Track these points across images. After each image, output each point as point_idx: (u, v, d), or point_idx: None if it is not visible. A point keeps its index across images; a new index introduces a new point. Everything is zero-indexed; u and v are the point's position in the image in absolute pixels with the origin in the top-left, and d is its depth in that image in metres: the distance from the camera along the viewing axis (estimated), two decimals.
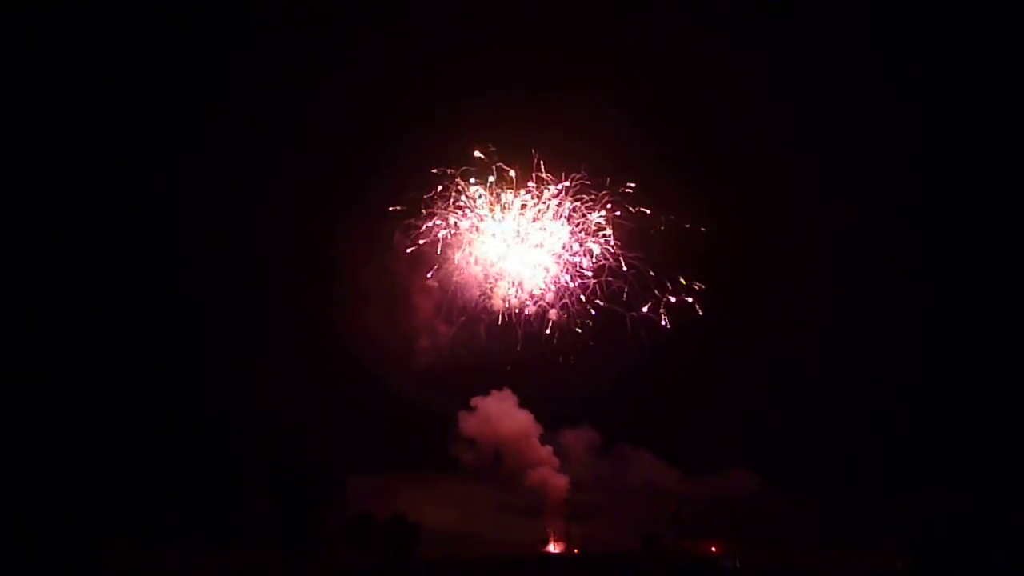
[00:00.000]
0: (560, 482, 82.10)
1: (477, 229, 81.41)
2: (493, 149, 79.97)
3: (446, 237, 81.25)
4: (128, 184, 77.97)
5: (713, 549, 77.23)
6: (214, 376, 76.15)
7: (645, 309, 78.90)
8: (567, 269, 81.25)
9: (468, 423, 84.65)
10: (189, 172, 79.51)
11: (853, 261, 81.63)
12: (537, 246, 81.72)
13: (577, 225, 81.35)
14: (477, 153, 79.87)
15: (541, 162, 79.38)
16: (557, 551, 77.87)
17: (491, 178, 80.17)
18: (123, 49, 79.15)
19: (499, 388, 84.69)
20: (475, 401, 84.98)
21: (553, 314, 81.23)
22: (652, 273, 79.53)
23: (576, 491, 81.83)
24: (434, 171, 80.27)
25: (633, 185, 79.15)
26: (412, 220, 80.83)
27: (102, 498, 62.06)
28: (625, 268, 79.86)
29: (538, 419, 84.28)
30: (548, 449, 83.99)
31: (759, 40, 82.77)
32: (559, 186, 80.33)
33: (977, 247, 78.64)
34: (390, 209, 79.93)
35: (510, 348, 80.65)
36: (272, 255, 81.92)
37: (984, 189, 79.05)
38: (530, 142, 79.26)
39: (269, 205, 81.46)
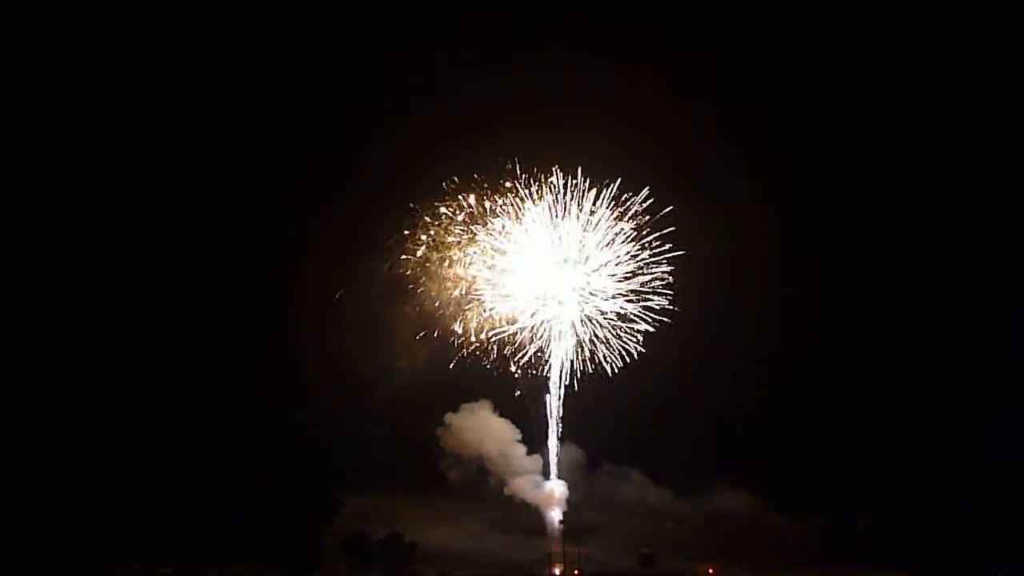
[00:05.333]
0: (552, 490, 79.14)
1: (451, 259, 78.94)
2: (455, 184, 78.28)
3: (422, 265, 79.06)
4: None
5: (710, 571, 74.87)
6: (212, 397, 72.98)
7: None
8: (541, 296, 78.61)
9: (448, 440, 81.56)
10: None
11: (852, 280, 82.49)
12: (510, 273, 78.74)
13: (550, 253, 78.87)
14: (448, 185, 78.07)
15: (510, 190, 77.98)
16: (558, 573, 73.38)
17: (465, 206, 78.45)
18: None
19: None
20: (448, 417, 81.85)
21: (527, 338, 78.72)
22: (623, 292, 78.54)
23: (569, 509, 78.50)
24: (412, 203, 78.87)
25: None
26: (391, 249, 78.98)
27: (100, 513, 56.33)
28: (599, 295, 78.58)
29: (524, 438, 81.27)
30: (534, 459, 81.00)
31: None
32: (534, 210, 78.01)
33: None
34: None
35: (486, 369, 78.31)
36: (263, 281, 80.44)
37: None
38: (503, 171, 77.89)
39: (267, 231, 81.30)
